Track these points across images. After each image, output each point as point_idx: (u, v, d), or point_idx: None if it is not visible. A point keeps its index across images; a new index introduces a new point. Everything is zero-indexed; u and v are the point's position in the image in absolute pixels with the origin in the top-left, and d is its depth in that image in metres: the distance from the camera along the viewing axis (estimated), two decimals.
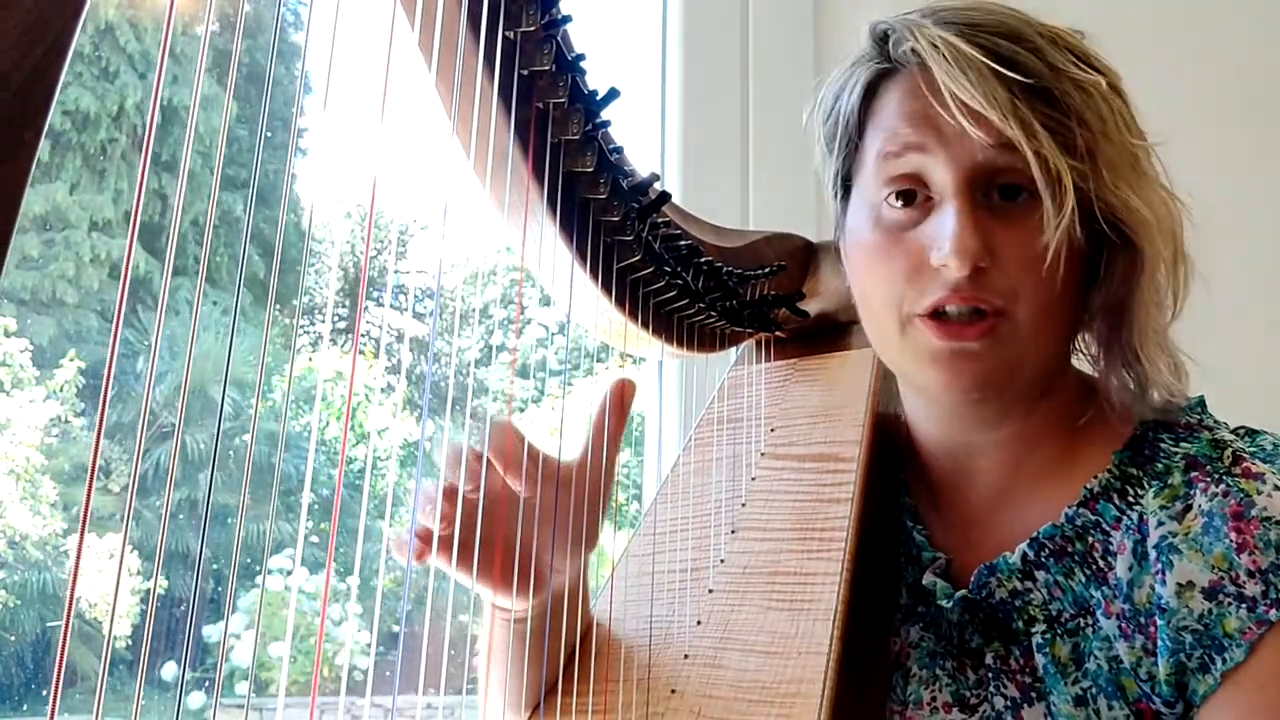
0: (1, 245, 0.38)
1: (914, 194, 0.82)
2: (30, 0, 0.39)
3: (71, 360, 3.22)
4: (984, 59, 0.77)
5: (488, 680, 0.89)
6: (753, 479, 0.98)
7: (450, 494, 0.77)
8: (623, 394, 0.85)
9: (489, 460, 0.79)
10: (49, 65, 0.39)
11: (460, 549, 0.78)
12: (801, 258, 1.13)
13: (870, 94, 0.87)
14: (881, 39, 0.85)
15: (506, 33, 0.73)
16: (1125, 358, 0.82)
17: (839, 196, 0.92)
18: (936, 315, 0.80)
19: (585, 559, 0.85)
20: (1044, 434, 0.86)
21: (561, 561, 0.82)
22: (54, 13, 0.39)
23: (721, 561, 0.90)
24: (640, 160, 0.86)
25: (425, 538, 0.76)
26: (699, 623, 0.86)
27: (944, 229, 0.78)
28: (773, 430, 1.03)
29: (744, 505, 0.95)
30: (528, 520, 0.79)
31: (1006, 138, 0.76)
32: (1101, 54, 0.82)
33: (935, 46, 0.79)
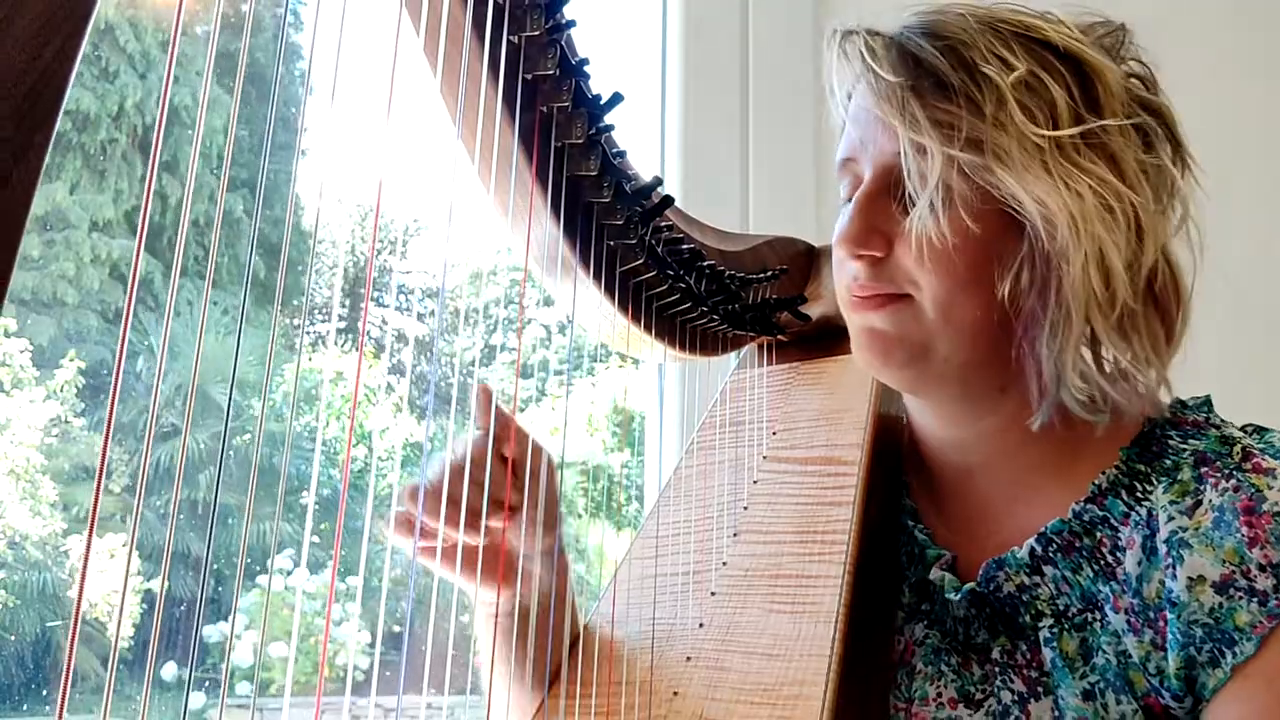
0: (11, 245, 0.38)
1: None
2: (41, 3, 0.39)
3: (71, 360, 3.21)
4: (889, 70, 0.80)
5: (492, 680, 0.90)
6: (755, 482, 0.98)
7: (438, 494, 0.83)
8: (485, 395, 0.90)
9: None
10: (59, 67, 0.39)
11: (442, 550, 0.85)
12: (803, 262, 1.13)
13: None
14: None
15: (511, 37, 0.73)
16: (1037, 358, 0.80)
17: None
18: (853, 295, 0.86)
19: (557, 542, 0.89)
20: (1029, 431, 0.84)
21: (530, 545, 0.86)
22: (64, 15, 0.39)
23: (724, 564, 0.91)
24: (640, 163, 0.86)
25: (408, 523, 0.83)
26: (701, 625, 0.86)
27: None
28: (775, 433, 1.03)
29: (746, 508, 0.95)
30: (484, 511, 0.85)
31: (911, 141, 0.79)
32: (1086, 49, 0.80)
33: (861, 56, 0.82)
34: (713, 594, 0.88)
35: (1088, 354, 0.80)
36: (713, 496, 0.98)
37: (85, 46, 0.41)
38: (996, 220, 0.79)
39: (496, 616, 0.88)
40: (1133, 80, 0.83)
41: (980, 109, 0.77)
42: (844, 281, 0.86)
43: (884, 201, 0.83)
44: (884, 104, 0.80)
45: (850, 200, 0.85)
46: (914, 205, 0.80)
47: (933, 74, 0.79)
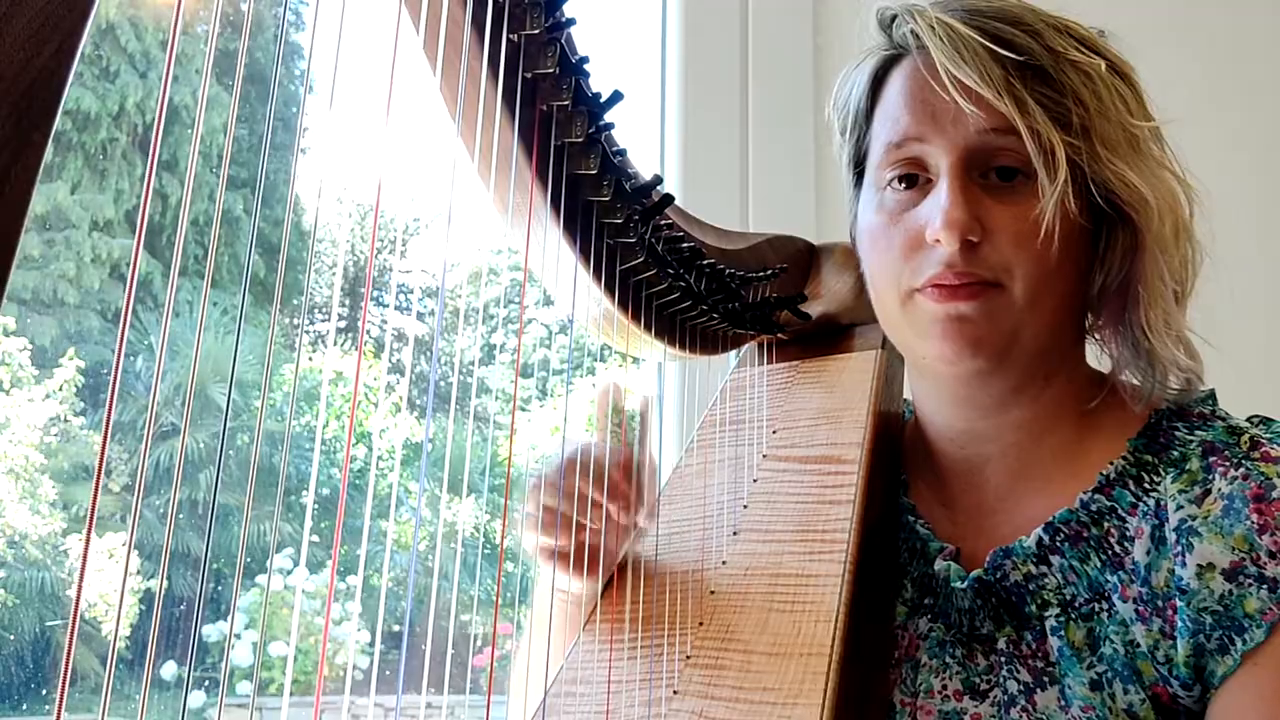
0: (10, 244, 0.38)
1: (915, 177, 0.85)
2: (39, 1, 0.39)
3: (71, 360, 3.21)
4: (980, 39, 0.79)
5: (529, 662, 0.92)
6: (755, 481, 0.98)
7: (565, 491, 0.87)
8: (611, 396, 0.92)
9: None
10: (58, 66, 0.39)
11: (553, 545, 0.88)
12: (803, 260, 1.13)
13: (878, 80, 0.90)
14: (886, 24, 0.88)
15: (511, 36, 0.73)
16: (1134, 336, 0.83)
17: (853, 184, 0.94)
18: (935, 285, 0.83)
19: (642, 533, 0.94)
20: (1054, 421, 0.86)
21: (624, 543, 0.92)
22: (62, 13, 0.39)
23: (724, 563, 0.90)
24: (640, 162, 0.86)
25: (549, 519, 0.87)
26: (701, 624, 0.86)
27: (936, 205, 0.81)
28: (775, 432, 1.03)
29: (746, 507, 0.95)
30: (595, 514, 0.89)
31: (1001, 120, 0.79)
32: (1113, 48, 0.84)
33: (933, 28, 0.81)
34: (712, 593, 0.88)
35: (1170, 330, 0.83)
36: (712, 495, 0.97)
37: (85, 46, 0.41)
38: (1085, 207, 0.81)
39: (563, 598, 0.93)
40: None
41: (1079, 95, 0.79)
42: (925, 271, 0.82)
43: (973, 185, 0.82)
44: (984, 86, 0.78)
45: (905, 186, 0.85)
46: (999, 189, 0.81)
47: (1025, 55, 0.80)
